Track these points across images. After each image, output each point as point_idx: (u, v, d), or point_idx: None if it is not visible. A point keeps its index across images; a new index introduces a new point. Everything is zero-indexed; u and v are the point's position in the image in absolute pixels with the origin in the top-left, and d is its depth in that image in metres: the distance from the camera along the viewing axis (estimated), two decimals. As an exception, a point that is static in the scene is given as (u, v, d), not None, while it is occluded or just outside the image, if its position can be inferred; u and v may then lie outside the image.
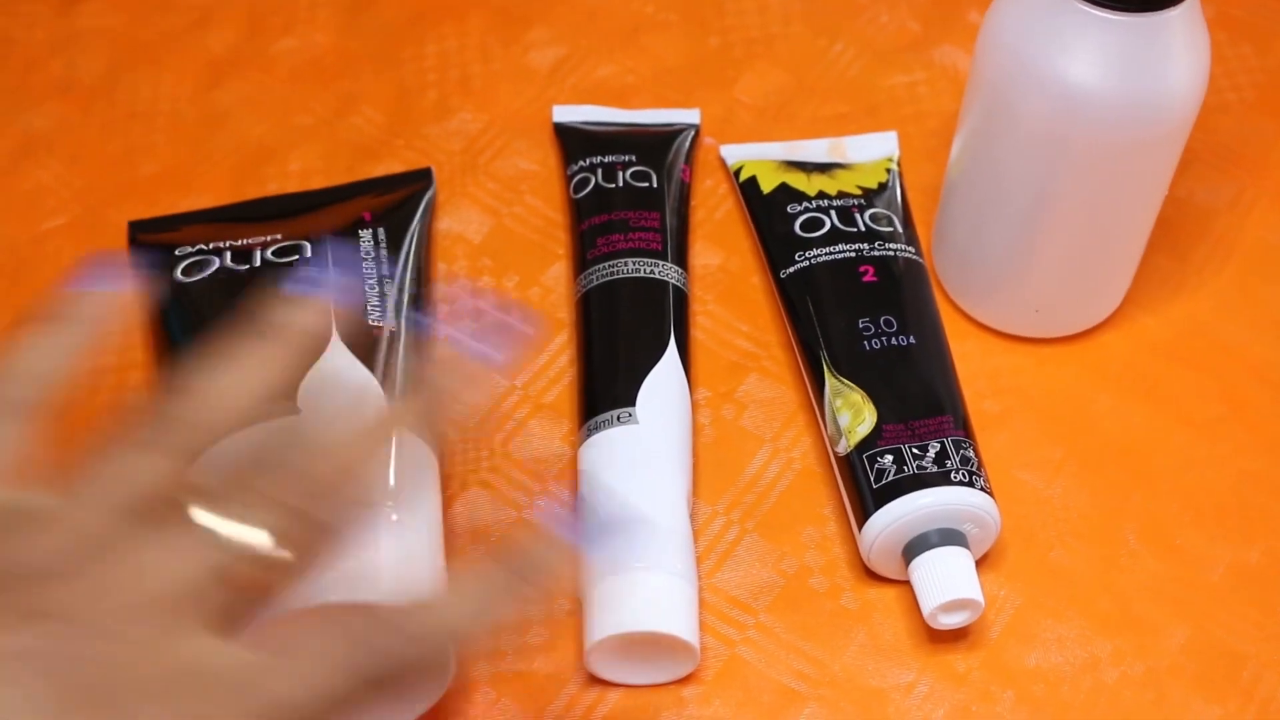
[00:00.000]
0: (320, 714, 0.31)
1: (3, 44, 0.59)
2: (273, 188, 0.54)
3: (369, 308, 0.46)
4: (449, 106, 0.57)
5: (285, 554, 0.32)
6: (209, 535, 0.32)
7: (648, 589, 0.41)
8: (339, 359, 0.44)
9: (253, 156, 0.55)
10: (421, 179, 0.53)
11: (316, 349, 0.38)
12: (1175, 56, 0.41)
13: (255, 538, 0.32)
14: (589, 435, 0.45)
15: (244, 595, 0.32)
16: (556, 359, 0.50)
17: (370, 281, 0.47)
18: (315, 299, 0.37)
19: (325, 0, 0.60)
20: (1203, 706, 0.42)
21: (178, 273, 0.48)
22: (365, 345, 0.44)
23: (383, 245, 0.49)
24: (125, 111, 0.57)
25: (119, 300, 0.37)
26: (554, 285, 0.51)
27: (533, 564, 0.34)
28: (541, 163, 0.55)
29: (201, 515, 0.32)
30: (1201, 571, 0.45)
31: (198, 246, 0.49)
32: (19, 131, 0.56)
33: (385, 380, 0.44)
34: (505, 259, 0.52)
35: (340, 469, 0.34)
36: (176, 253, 0.49)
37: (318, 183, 0.54)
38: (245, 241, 0.49)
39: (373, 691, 0.32)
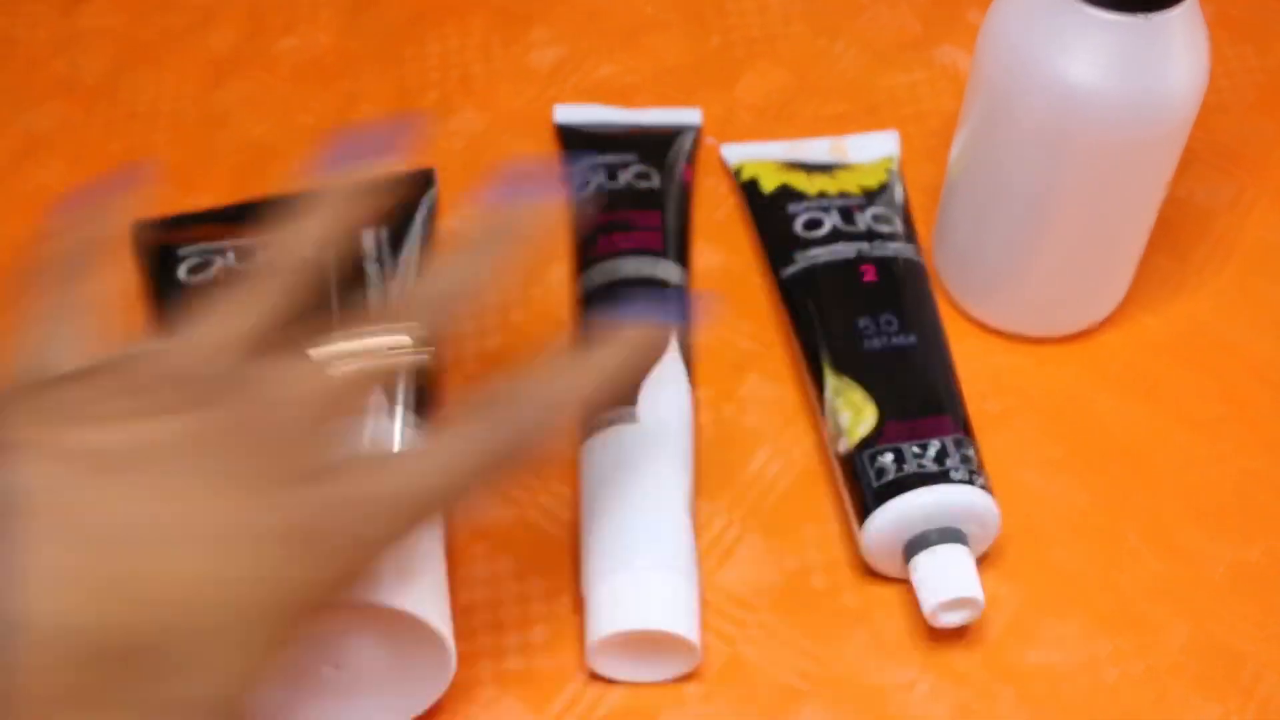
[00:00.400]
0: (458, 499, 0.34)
1: (5, 43, 0.59)
2: (275, 187, 0.54)
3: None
4: (450, 106, 0.57)
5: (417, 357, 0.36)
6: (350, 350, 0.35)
7: (649, 587, 0.41)
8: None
9: (255, 156, 0.55)
10: (422, 180, 0.53)
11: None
12: (1175, 57, 0.42)
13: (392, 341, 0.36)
14: (590, 434, 0.45)
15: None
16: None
17: (374, 282, 0.47)
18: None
19: (326, 0, 0.60)
20: (1203, 705, 0.43)
21: (182, 272, 0.48)
22: None
23: (384, 245, 0.49)
24: (127, 111, 0.57)
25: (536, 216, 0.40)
26: (556, 285, 0.52)
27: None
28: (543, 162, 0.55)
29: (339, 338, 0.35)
30: (1202, 570, 0.45)
31: (200, 247, 0.49)
32: (21, 131, 0.56)
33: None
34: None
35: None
36: (180, 253, 0.49)
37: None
38: (249, 241, 0.49)
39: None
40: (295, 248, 0.38)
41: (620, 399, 0.38)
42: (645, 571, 0.41)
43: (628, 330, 0.38)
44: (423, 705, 0.41)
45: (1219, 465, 0.47)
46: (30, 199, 0.54)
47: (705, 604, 0.44)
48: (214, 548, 0.30)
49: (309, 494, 0.32)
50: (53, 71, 0.58)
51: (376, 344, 0.35)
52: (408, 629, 0.38)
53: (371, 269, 0.48)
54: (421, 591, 0.38)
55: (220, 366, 0.34)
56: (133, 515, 0.30)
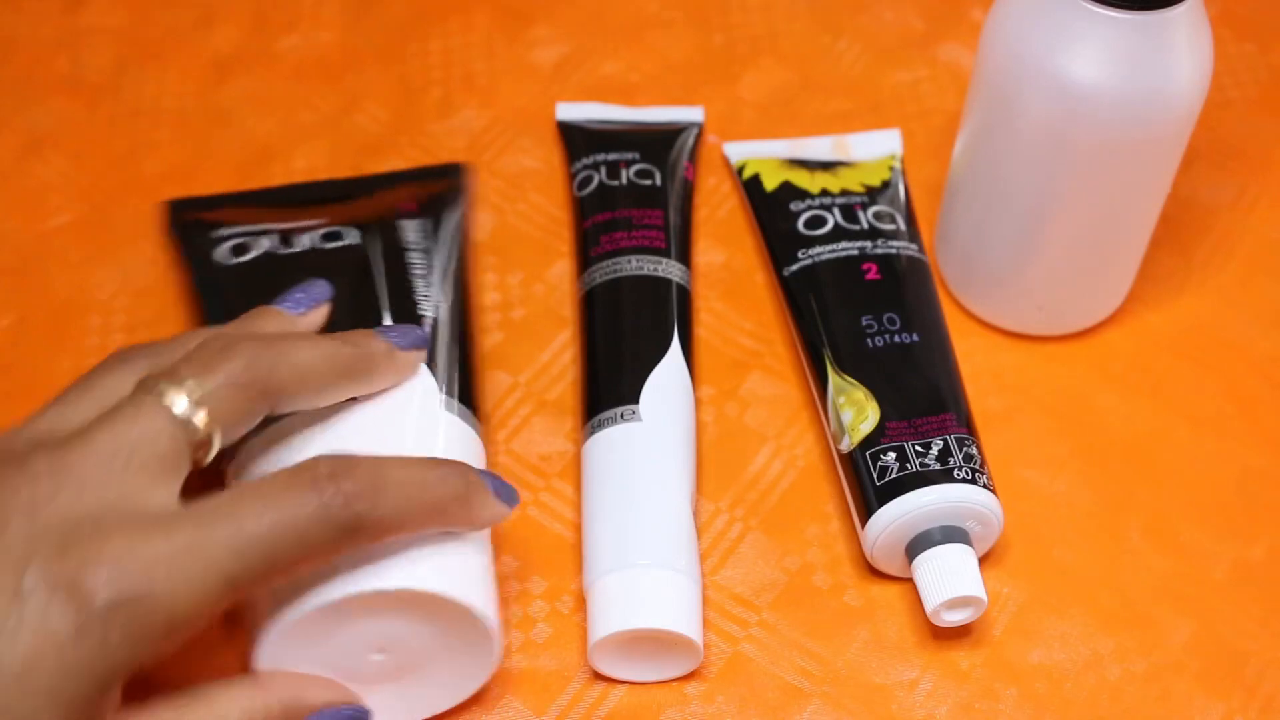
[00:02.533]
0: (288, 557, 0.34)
1: (8, 41, 0.59)
2: (278, 185, 0.54)
3: (417, 298, 0.46)
4: (453, 104, 0.57)
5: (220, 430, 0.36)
6: (157, 414, 0.35)
7: (651, 586, 0.41)
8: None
9: (258, 154, 0.55)
10: (456, 173, 0.53)
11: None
12: (1178, 54, 0.41)
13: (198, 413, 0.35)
14: (592, 433, 0.45)
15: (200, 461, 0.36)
16: (560, 356, 0.50)
17: (419, 271, 0.47)
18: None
19: (329, -2, 0.60)
20: (1206, 703, 0.42)
21: (221, 252, 0.48)
22: None
23: (430, 236, 0.49)
24: (130, 109, 0.57)
25: (298, 323, 0.42)
26: (558, 283, 0.52)
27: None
28: (545, 160, 0.55)
29: (169, 389, 0.35)
30: (1205, 568, 0.45)
31: (242, 227, 0.49)
32: (24, 128, 0.56)
33: (433, 367, 0.44)
34: (509, 256, 0.52)
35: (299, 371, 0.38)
36: (218, 233, 0.49)
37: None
38: (291, 225, 0.49)
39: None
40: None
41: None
42: (647, 570, 0.42)
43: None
44: (469, 689, 0.41)
45: (1222, 463, 0.47)
46: (33, 196, 0.54)
47: (707, 603, 0.44)
48: None
49: (91, 568, 0.32)
50: (56, 69, 0.58)
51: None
52: (452, 613, 0.38)
53: (416, 258, 0.48)
54: (466, 575, 0.38)
55: (78, 424, 0.35)
56: None
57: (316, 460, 0.35)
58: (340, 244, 0.48)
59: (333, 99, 0.57)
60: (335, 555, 0.35)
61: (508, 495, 0.39)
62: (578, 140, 0.54)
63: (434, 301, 0.46)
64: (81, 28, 0.59)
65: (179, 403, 0.35)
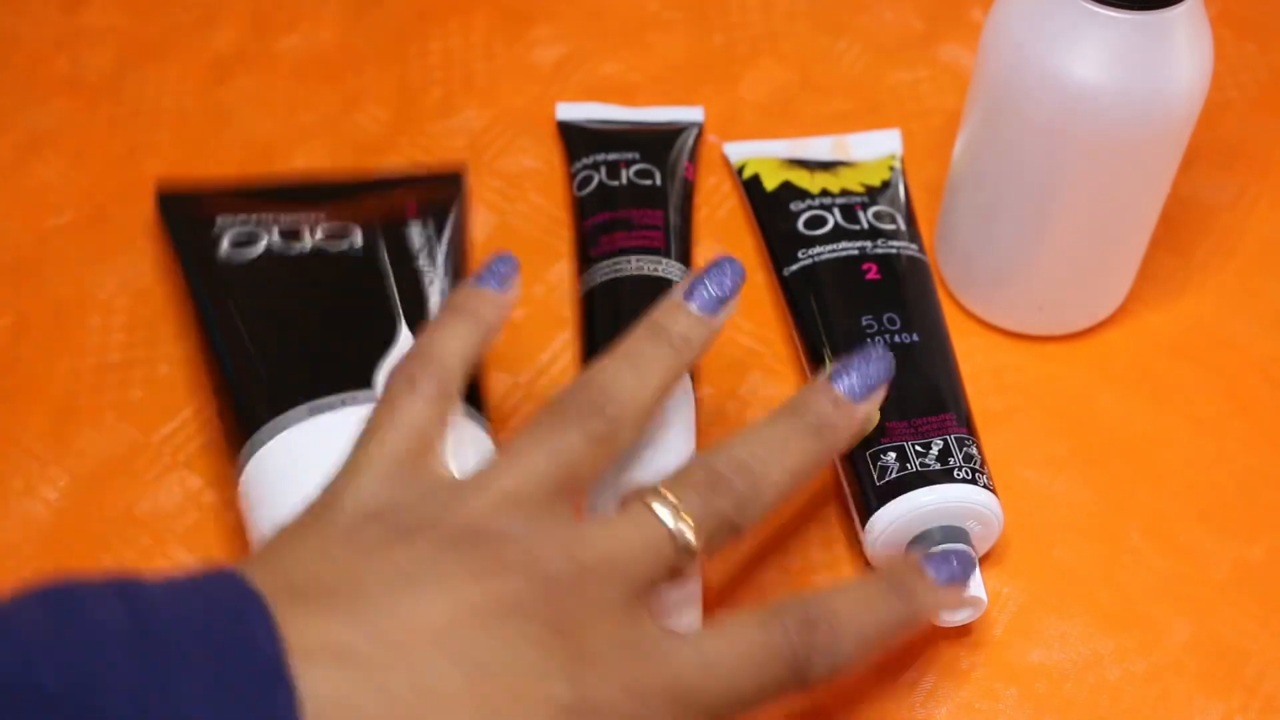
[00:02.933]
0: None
1: (9, 41, 0.59)
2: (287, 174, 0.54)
3: (430, 304, 0.46)
4: (453, 104, 0.57)
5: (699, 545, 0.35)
6: (644, 522, 0.35)
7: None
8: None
9: (258, 154, 0.55)
10: (455, 179, 0.53)
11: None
12: (1178, 54, 0.41)
13: (684, 527, 0.35)
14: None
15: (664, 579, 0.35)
16: (560, 356, 0.50)
17: (429, 277, 0.47)
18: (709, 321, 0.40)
19: (329, -2, 0.60)
20: (1206, 703, 0.42)
21: (224, 246, 0.48)
22: None
23: (434, 241, 0.49)
24: (130, 109, 0.57)
25: (508, 300, 0.40)
26: (558, 283, 0.52)
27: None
28: (545, 160, 0.55)
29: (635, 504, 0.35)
30: (1205, 568, 0.45)
31: (242, 218, 0.49)
32: (24, 128, 0.56)
33: None
34: (509, 256, 0.52)
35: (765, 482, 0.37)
36: (218, 224, 0.49)
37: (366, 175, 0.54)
38: (292, 217, 0.49)
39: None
40: (616, 394, 0.37)
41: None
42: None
43: (924, 573, 0.39)
44: None
45: (1222, 463, 0.47)
46: (33, 196, 0.54)
47: (708, 603, 0.44)
48: None
49: (598, 678, 0.32)
50: (56, 69, 0.58)
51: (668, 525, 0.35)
52: None
53: (424, 263, 0.48)
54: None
55: (511, 523, 0.34)
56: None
57: (782, 614, 0.35)
58: (345, 246, 0.48)
59: (333, 99, 0.57)
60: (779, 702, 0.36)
61: (947, 574, 0.39)
62: (578, 140, 0.54)
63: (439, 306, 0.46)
64: (82, 28, 0.59)
65: (679, 528, 0.35)
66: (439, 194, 0.51)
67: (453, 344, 0.38)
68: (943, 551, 0.40)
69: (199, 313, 0.47)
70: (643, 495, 0.35)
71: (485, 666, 0.31)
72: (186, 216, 0.50)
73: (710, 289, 0.39)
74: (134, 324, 0.51)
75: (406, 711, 0.30)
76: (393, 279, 0.47)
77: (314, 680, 0.29)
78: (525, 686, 0.31)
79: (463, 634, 0.31)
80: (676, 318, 0.39)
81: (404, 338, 0.44)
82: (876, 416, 0.40)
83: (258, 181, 0.53)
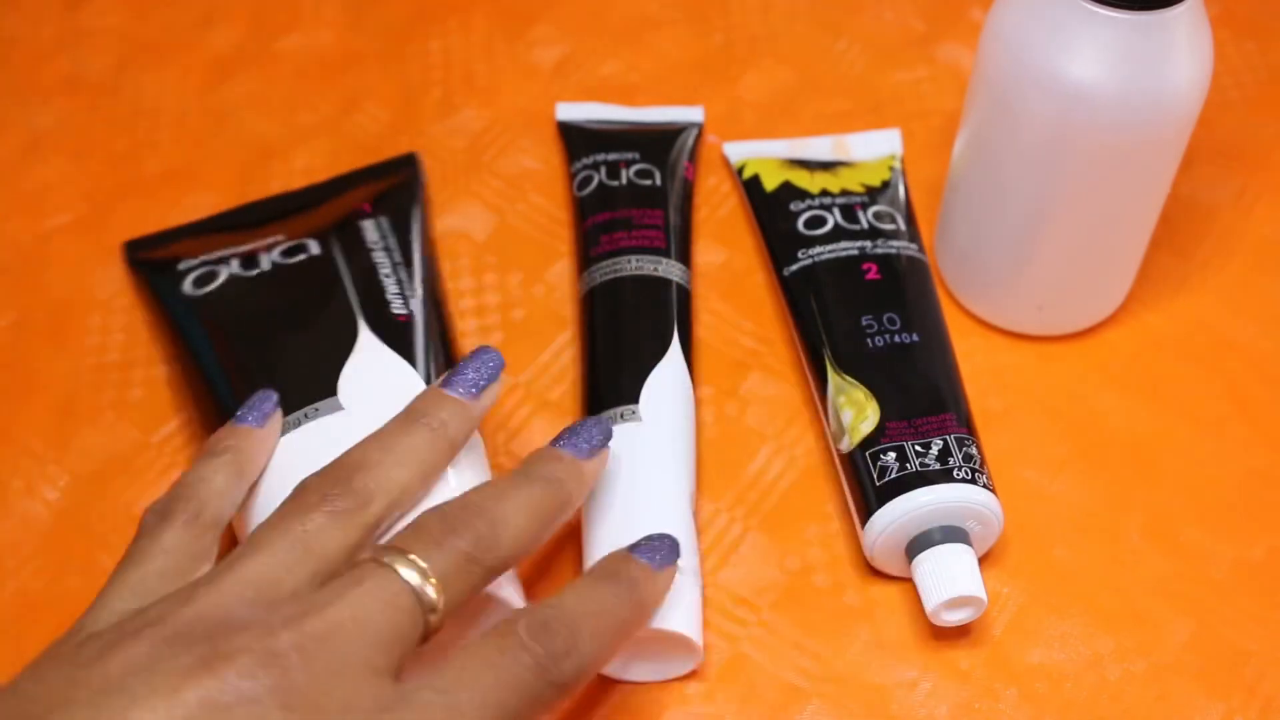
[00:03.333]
0: None
1: (9, 41, 0.59)
2: (278, 185, 0.54)
3: (389, 296, 0.46)
4: (453, 104, 0.57)
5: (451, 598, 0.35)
6: (381, 581, 0.34)
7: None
8: (373, 351, 0.44)
9: (258, 154, 0.55)
10: (407, 165, 0.53)
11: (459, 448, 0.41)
12: (1178, 54, 0.41)
13: (426, 583, 0.35)
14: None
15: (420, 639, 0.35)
16: (560, 357, 0.50)
17: (385, 270, 0.47)
18: (462, 404, 0.40)
19: (329, -2, 0.60)
20: (1206, 703, 0.42)
21: (187, 285, 0.48)
22: (392, 334, 0.45)
23: (389, 234, 0.49)
24: (131, 109, 0.57)
25: (266, 441, 0.41)
26: (558, 283, 0.52)
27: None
28: (545, 160, 0.55)
29: (382, 570, 0.35)
30: (1205, 568, 0.45)
31: (201, 258, 0.49)
32: (25, 129, 0.56)
33: (416, 363, 0.44)
34: (509, 257, 0.52)
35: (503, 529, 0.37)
36: (180, 266, 0.49)
37: (322, 180, 0.54)
38: (249, 247, 0.49)
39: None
40: (364, 468, 0.38)
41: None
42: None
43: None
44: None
45: (1222, 463, 0.47)
46: (33, 196, 0.54)
47: (707, 603, 0.44)
48: None
49: None
50: (56, 69, 0.58)
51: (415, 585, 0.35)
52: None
53: (380, 257, 0.48)
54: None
55: (239, 608, 0.33)
56: None
57: (514, 625, 0.35)
58: (302, 257, 0.48)
59: (333, 99, 0.57)
60: (548, 712, 0.35)
61: (660, 558, 0.40)
62: (578, 140, 0.54)
63: (406, 299, 0.46)
64: (82, 28, 0.59)
65: (413, 578, 0.35)
66: (391, 184, 0.51)
67: (206, 478, 0.39)
68: (651, 538, 0.40)
69: (175, 346, 0.47)
70: (378, 554, 0.35)
71: None
72: (152, 263, 0.50)
73: (469, 375, 0.40)
74: (134, 323, 0.51)
75: None
76: (348, 279, 0.47)
77: None
78: None
79: None
80: (434, 404, 0.40)
81: (364, 337, 0.44)
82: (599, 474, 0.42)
83: (220, 214, 0.53)
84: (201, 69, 0.58)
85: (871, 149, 0.54)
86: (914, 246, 0.49)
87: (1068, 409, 0.48)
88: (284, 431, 0.42)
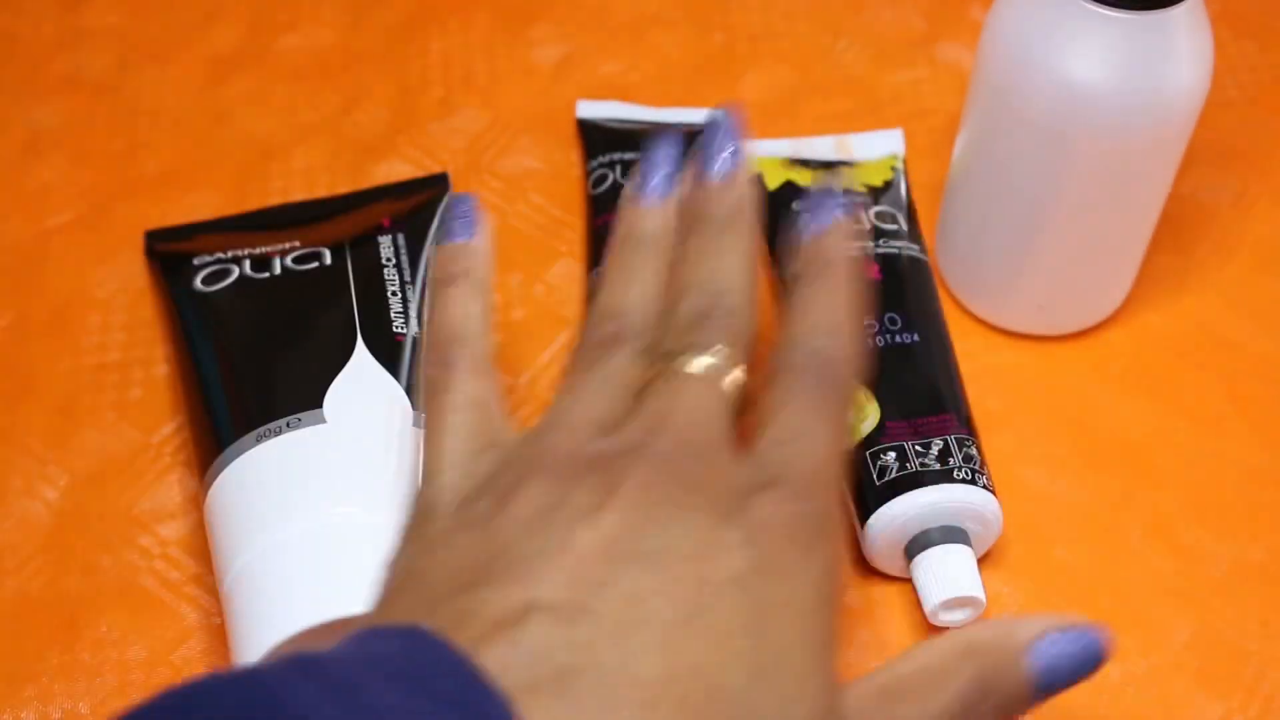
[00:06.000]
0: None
1: (9, 41, 0.59)
2: (278, 185, 0.54)
3: (392, 315, 0.46)
4: (453, 104, 0.57)
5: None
6: (695, 378, 0.36)
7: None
8: (366, 367, 0.44)
9: (258, 154, 0.55)
10: (438, 183, 0.53)
11: None
12: (1178, 54, 0.41)
13: (724, 364, 0.36)
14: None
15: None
16: (560, 357, 0.50)
17: (393, 288, 0.47)
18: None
19: (330, -3, 0.60)
20: (1206, 703, 0.42)
21: (197, 281, 0.48)
22: (387, 353, 0.45)
23: (403, 251, 0.48)
24: (130, 108, 0.57)
25: (488, 249, 0.40)
26: (558, 283, 0.52)
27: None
28: (545, 160, 0.55)
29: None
30: (1205, 568, 0.45)
31: (216, 255, 0.49)
32: (25, 128, 0.56)
33: (410, 388, 0.44)
34: (509, 257, 0.52)
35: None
36: (195, 261, 0.49)
37: (323, 180, 0.54)
38: (263, 250, 0.49)
39: None
40: (628, 307, 0.38)
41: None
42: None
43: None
44: None
45: (1222, 463, 0.47)
46: (34, 196, 0.54)
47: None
48: (740, 607, 0.31)
49: (755, 506, 0.32)
50: (56, 69, 0.58)
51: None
52: None
53: (390, 274, 0.48)
54: None
55: (600, 442, 0.34)
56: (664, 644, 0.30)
57: (797, 375, 0.37)
58: (313, 265, 0.48)
59: (332, 99, 0.57)
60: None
61: (723, 161, 0.40)
62: (595, 138, 0.54)
63: (408, 319, 0.46)
64: (82, 27, 0.59)
65: (715, 369, 0.36)
66: (417, 203, 0.51)
67: (462, 313, 0.38)
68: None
69: (182, 340, 0.47)
70: (665, 369, 0.36)
71: (661, 552, 0.31)
72: (168, 255, 0.50)
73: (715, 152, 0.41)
74: (134, 323, 0.51)
75: (617, 627, 0.30)
76: (355, 293, 0.47)
77: (532, 643, 0.29)
78: (702, 549, 0.31)
79: (626, 538, 0.31)
80: (640, 218, 0.40)
81: (360, 353, 0.44)
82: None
83: (242, 214, 0.53)
84: (201, 68, 0.58)
85: (873, 149, 0.54)
86: (915, 246, 0.49)
87: (1068, 409, 0.48)
88: (262, 439, 0.42)
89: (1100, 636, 0.34)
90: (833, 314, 0.38)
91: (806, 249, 0.39)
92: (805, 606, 0.32)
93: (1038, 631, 0.34)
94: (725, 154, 0.40)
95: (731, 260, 0.39)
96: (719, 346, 0.36)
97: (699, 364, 0.36)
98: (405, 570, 0.33)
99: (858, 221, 0.39)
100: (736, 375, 0.36)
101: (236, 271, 0.48)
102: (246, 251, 0.49)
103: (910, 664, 0.33)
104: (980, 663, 0.33)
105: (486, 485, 0.34)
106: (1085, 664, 0.34)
